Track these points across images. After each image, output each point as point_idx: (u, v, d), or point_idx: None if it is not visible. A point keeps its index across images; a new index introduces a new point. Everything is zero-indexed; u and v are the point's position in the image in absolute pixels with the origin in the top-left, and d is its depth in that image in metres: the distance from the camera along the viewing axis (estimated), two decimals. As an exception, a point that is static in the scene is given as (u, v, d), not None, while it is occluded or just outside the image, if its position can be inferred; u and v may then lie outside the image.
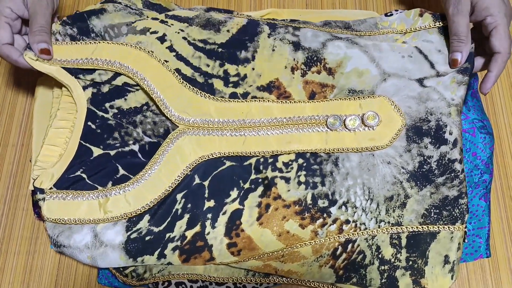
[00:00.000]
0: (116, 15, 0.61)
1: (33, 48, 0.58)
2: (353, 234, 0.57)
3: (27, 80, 0.74)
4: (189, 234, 0.58)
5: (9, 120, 0.72)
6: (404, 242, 0.57)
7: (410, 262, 0.57)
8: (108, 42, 0.60)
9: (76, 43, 0.60)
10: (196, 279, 0.59)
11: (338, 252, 0.57)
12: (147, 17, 0.63)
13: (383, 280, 0.57)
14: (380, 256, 0.57)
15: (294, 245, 0.57)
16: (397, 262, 0.57)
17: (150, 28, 0.61)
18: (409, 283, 0.57)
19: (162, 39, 0.61)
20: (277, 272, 0.58)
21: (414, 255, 0.57)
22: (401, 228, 0.57)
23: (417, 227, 0.57)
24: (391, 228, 0.57)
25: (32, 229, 0.66)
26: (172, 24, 0.62)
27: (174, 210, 0.58)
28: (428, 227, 0.57)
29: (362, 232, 0.57)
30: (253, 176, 0.59)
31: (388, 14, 0.67)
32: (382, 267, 0.57)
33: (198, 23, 0.62)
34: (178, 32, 0.61)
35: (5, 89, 0.73)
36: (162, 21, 0.62)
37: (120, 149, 0.59)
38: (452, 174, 0.58)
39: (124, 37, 0.61)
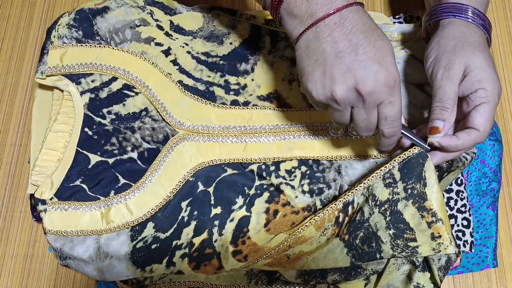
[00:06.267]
0: (119, 12, 0.62)
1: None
2: (349, 195, 0.54)
3: (25, 79, 0.72)
4: (197, 241, 0.57)
5: (7, 119, 0.71)
6: (398, 176, 0.53)
7: (409, 190, 0.52)
8: (113, 48, 0.61)
9: (82, 45, 0.61)
10: (197, 287, 0.58)
11: (340, 219, 0.55)
12: (151, 15, 0.63)
13: (388, 218, 0.53)
14: (377, 203, 0.53)
15: (297, 231, 0.55)
16: (395, 196, 0.53)
17: (155, 39, 0.62)
18: (414, 212, 0.52)
19: (167, 52, 0.62)
20: (290, 258, 0.56)
21: (410, 182, 0.52)
22: (391, 163, 0.53)
23: (404, 154, 0.53)
24: (381, 170, 0.53)
25: (30, 232, 0.65)
26: (176, 38, 0.63)
27: (180, 217, 0.57)
28: (415, 148, 0.52)
29: (357, 189, 0.54)
30: (257, 183, 0.58)
31: (397, 16, 0.66)
32: (383, 208, 0.53)
33: (202, 36, 0.63)
34: (183, 46, 0.62)
35: (3, 88, 0.72)
36: (166, 34, 0.63)
37: (118, 157, 0.58)
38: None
39: (129, 43, 0.62)
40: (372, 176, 0.53)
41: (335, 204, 0.55)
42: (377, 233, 0.52)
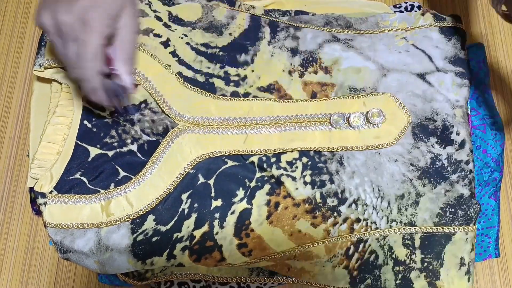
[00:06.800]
0: None
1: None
2: (364, 233, 0.56)
3: (23, 73, 0.72)
4: (198, 233, 0.56)
5: (6, 112, 0.70)
6: (417, 243, 0.56)
7: (425, 264, 0.55)
8: None
9: None
10: (199, 279, 0.58)
11: (350, 252, 0.56)
12: (149, 5, 0.62)
13: (398, 281, 0.56)
14: (393, 256, 0.56)
15: (306, 244, 0.56)
16: (412, 263, 0.56)
17: (154, 30, 0.61)
18: (424, 285, 0.55)
19: (165, 44, 0.61)
20: (290, 270, 0.56)
21: (429, 256, 0.55)
22: (415, 228, 0.56)
23: (431, 228, 0.56)
24: (404, 228, 0.56)
25: (31, 225, 0.65)
26: (175, 29, 0.62)
27: (180, 210, 0.56)
28: (443, 228, 0.56)
29: (373, 232, 0.56)
30: (258, 175, 0.58)
31: (397, 5, 0.66)
32: (397, 268, 0.56)
33: (201, 27, 0.63)
34: (182, 37, 0.62)
35: (1, 82, 0.71)
36: (165, 25, 0.62)
37: (118, 150, 0.58)
38: (463, 173, 0.56)
39: None
40: (391, 228, 0.56)
41: (350, 236, 0.56)
42: None
